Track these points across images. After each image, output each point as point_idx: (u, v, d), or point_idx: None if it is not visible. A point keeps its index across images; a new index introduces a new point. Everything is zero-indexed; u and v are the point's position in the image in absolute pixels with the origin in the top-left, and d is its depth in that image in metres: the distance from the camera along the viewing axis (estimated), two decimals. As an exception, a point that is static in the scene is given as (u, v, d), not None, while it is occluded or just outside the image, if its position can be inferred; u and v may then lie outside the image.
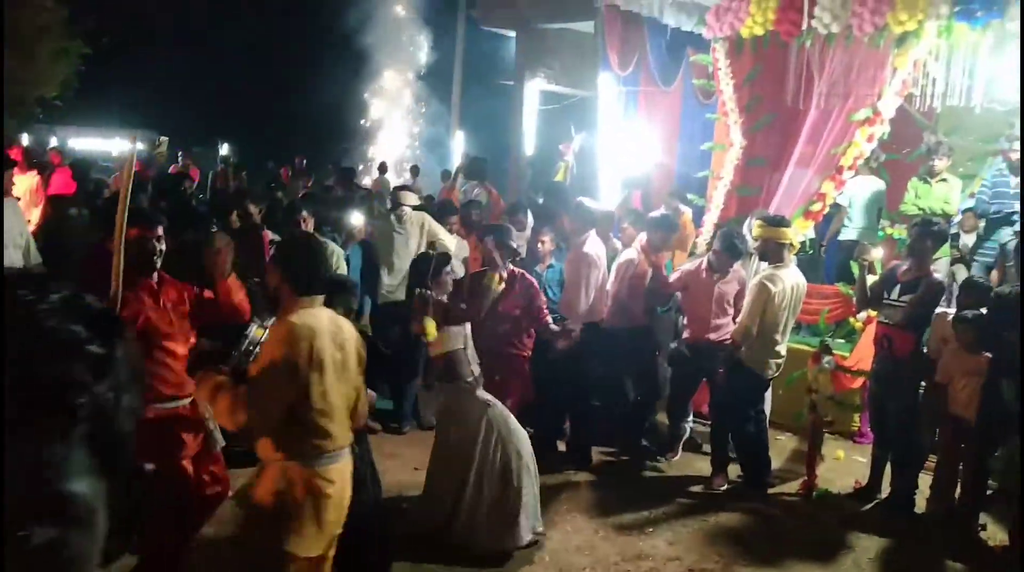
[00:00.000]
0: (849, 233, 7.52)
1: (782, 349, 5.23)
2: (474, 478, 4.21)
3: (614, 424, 5.81)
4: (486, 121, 15.99)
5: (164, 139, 10.52)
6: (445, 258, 4.60)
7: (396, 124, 19.87)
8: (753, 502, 5.18)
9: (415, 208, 6.47)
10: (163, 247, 3.43)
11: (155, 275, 3.45)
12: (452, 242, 6.20)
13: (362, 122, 19.89)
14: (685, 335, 5.65)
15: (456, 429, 4.30)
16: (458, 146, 16.23)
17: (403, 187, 7.70)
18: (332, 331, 2.86)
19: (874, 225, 7.57)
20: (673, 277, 5.60)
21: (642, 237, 5.64)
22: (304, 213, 5.54)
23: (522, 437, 4.39)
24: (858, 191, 7.47)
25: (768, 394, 5.62)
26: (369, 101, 19.79)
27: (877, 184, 7.58)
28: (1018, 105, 6.79)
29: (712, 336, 5.46)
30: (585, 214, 5.58)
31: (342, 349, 2.88)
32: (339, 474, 2.85)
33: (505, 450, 4.25)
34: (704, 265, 5.51)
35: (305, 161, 15.03)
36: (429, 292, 4.28)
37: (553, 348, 5.19)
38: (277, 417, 2.74)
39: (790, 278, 5.19)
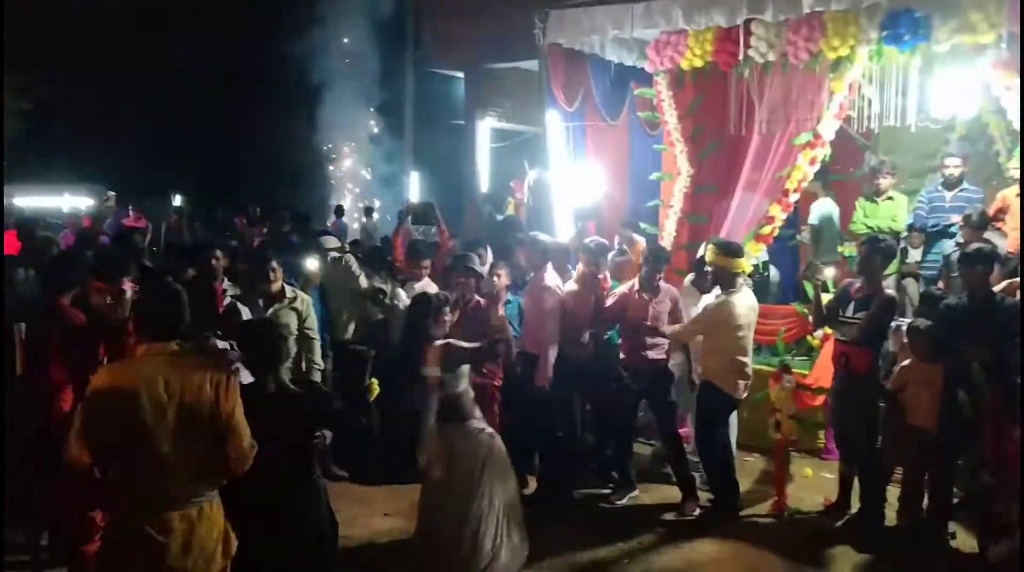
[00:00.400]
0: (819, 255, 7.64)
1: (749, 370, 5.31)
2: (475, 511, 4.14)
3: (580, 457, 5.79)
4: (440, 159, 16.08)
5: (111, 194, 10.38)
6: (443, 299, 4.57)
7: (350, 166, 19.88)
8: (726, 525, 5.20)
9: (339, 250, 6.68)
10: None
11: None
12: (364, 282, 6.46)
13: (315, 166, 19.86)
14: (622, 357, 5.70)
15: (455, 468, 4.19)
16: (413, 185, 16.29)
17: (324, 232, 7.84)
18: (169, 379, 2.79)
19: (832, 246, 7.75)
20: (609, 302, 5.65)
21: (578, 267, 5.71)
22: (273, 263, 5.48)
23: (511, 476, 4.40)
24: (813, 213, 7.67)
25: (734, 416, 5.68)
26: (322, 144, 19.79)
27: (830, 206, 7.78)
28: (953, 120, 7.12)
29: (650, 354, 5.53)
30: (540, 247, 5.65)
31: (181, 398, 2.79)
32: (180, 521, 2.80)
33: (502, 486, 4.26)
34: (636, 286, 5.61)
35: (259, 209, 14.91)
36: (449, 341, 4.32)
37: (522, 383, 5.21)
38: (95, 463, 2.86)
39: (744, 301, 5.30)
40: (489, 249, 6.84)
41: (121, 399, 2.74)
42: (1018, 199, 6.33)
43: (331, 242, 6.86)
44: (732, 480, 5.46)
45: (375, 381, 3.99)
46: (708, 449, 5.38)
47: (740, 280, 5.35)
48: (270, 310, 5.38)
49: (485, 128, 13.12)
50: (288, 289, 5.53)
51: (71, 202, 19.99)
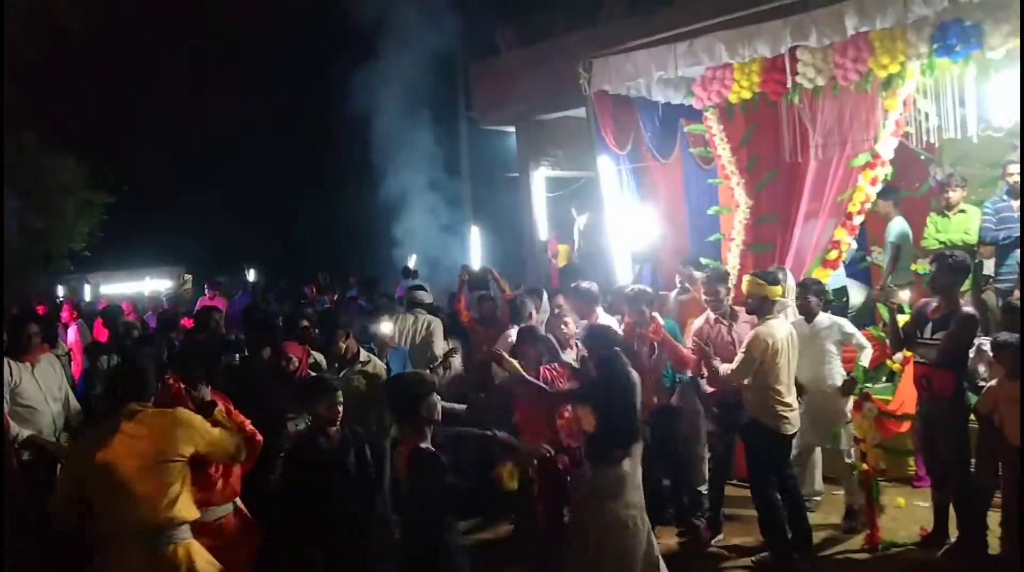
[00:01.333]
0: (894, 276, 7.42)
1: (791, 401, 5.09)
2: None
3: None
4: (498, 212, 16.32)
5: (189, 276, 10.87)
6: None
7: (412, 227, 20.32)
8: (822, 562, 5.01)
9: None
10: None
11: None
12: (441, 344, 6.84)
13: (380, 230, 20.35)
14: (708, 391, 5.54)
15: (612, 512, 4.30)
16: (474, 240, 16.55)
17: (418, 287, 7.98)
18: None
19: (906, 266, 7.51)
20: (689, 344, 5.57)
21: (625, 320, 5.69)
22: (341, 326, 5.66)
23: None
24: (892, 232, 7.47)
25: (817, 453, 5.51)
26: (384, 208, 20.30)
27: (901, 224, 7.56)
28: (1015, 127, 6.89)
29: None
30: (585, 293, 5.81)
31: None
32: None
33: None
34: (711, 318, 5.53)
35: (329, 277, 15.32)
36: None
37: None
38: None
39: (782, 330, 5.13)
40: (546, 296, 6.91)
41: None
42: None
43: (425, 298, 7.30)
44: (801, 528, 5.08)
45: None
46: (761, 492, 5.07)
47: (775, 307, 5.23)
48: (341, 373, 5.52)
49: (539, 178, 13.28)
50: (363, 353, 5.67)
51: (152, 285, 20.95)
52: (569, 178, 13.32)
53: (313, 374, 5.03)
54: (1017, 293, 6.25)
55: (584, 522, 4.40)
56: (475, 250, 15.32)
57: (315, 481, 3.81)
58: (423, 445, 3.50)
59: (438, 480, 3.44)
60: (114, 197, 13.57)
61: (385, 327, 6.17)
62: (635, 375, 4.55)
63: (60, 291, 18.46)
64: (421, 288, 7.98)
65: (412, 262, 15.72)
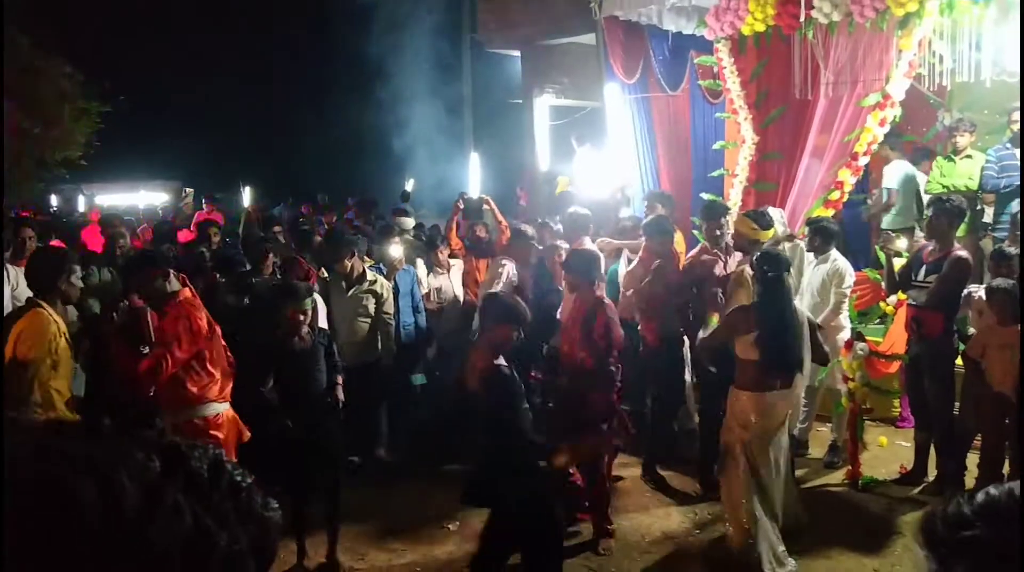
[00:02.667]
0: (893, 221, 7.39)
1: None
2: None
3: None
4: (499, 140, 16.12)
5: (189, 190, 10.76)
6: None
7: (412, 150, 20.10)
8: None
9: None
10: None
11: None
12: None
13: (379, 152, 20.15)
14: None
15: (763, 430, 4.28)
16: (474, 167, 16.39)
17: (401, 211, 8.03)
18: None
19: (912, 209, 7.47)
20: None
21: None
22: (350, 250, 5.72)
23: None
24: (893, 177, 7.41)
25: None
26: (384, 129, 20.05)
27: (909, 168, 7.49)
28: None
29: None
30: (579, 220, 5.93)
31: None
32: None
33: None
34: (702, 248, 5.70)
35: (328, 198, 15.23)
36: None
37: None
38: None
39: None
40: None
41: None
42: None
43: (407, 223, 7.23)
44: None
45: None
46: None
47: (784, 246, 5.31)
48: (350, 292, 5.58)
49: (543, 106, 13.07)
50: (369, 273, 5.70)
51: (147, 198, 20.81)
52: (573, 107, 13.12)
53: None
54: (1008, 241, 6.26)
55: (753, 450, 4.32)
56: (474, 177, 15.20)
57: (287, 375, 4.34)
58: (498, 363, 3.61)
59: (516, 395, 3.60)
60: (111, 107, 13.31)
61: (394, 249, 6.19)
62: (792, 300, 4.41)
63: (54, 200, 18.34)
64: (404, 213, 7.98)
65: (410, 186, 15.62)
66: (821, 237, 5.61)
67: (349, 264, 5.66)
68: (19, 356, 3.55)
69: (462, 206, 7.83)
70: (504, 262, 6.10)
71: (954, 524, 0.94)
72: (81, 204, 17.17)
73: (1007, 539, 0.90)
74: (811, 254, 5.73)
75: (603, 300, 4.70)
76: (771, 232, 5.21)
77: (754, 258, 4.52)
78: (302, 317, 4.37)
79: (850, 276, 5.57)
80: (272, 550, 0.85)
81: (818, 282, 5.59)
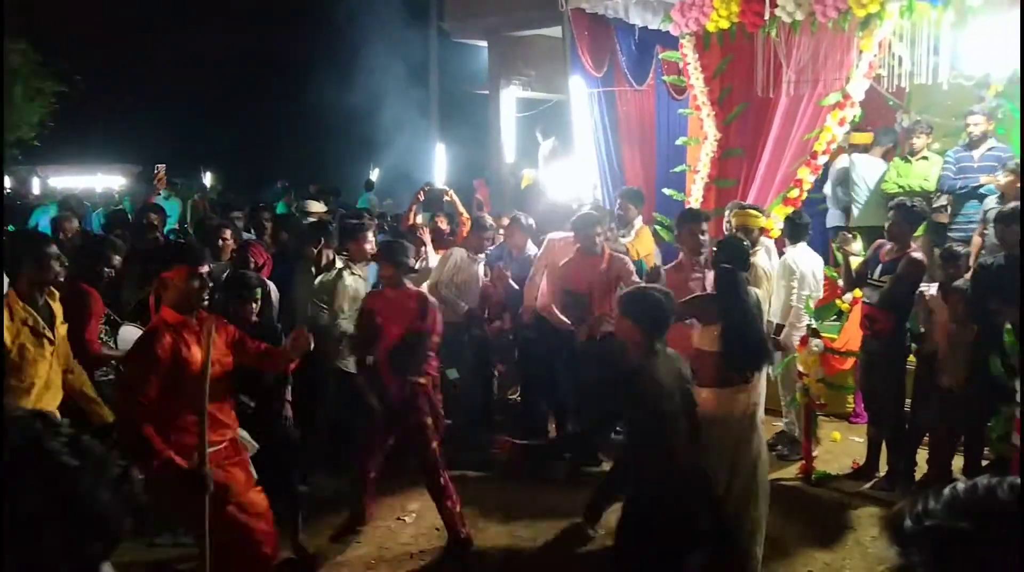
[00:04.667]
0: (863, 218, 7.47)
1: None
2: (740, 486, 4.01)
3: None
4: (466, 130, 16.05)
5: (161, 167, 10.47)
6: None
7: (376, 139, 19.92)
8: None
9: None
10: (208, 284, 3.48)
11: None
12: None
13: (343, 140, 19.95)
14: None
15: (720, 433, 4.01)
16: (440, 157, 16.29)
17: (308, 196, 7.99)
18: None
19: (880, 209, 7.49)
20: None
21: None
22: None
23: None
24: (865, 172, 7.50)
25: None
26: (348, 118, 19.84)
27: (879, 164, 7.58)
28: (986, 77, 6.92)
29: None
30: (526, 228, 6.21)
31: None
32: None
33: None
34: (683, 262, 5.51)
35: (288, 183, 15.04)
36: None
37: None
38: None
39: (767, 259, 5.35)
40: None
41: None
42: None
43: (314, 206, 7.07)
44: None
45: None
46: None
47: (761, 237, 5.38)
48: (318, 279, 5.51)
49: (510, 97, 13.03)
50: (339, 260, 5.63)
51: (104, 181, 20.35)
52: (539, 100, 13.10)
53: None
54: (975, 240, 6.39)
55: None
56: (440, 167, 15.12)
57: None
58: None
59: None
60: (66, 86, 12.99)
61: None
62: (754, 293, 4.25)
63: (7, 182, 17.85)
64: (313, 197, 7.96)
65: (374, 175, 15.51)
66: (788, 229, 5.71)
67: (318, 250, 5.60)
68: None
69: (422, 197, 7.77)
70: (452, 251, 6.09)
71: (921, 517, 1.00)
72: (36, 186, 16.73)
73: (969, 530, 0.97)
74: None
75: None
76: (763, 218, 5.33)
77: (715, 247, 4.45)
78: (252, 307, 4.24)
79: (801, 271, 5.62)
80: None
81: (778, 274, 5.69)
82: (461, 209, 7.60)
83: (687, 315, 4.17)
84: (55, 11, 15.53)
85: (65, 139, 16.40)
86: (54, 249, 3.67)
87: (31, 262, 3.58)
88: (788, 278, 5.59)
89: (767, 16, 6.50)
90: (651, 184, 8.18)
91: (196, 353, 3.28)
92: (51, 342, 3.64)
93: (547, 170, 10.37)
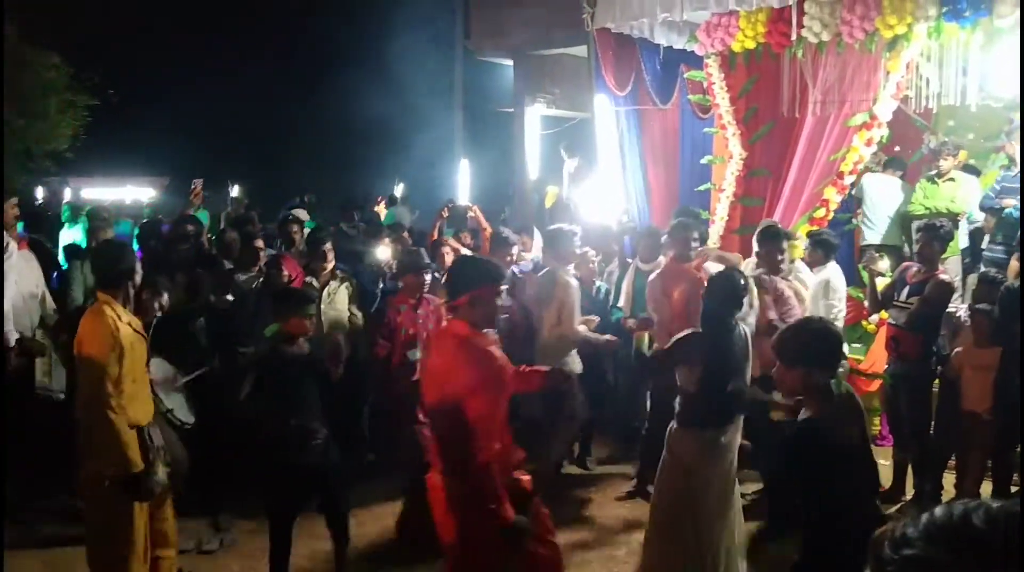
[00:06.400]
0: (872, 236, 7.47)
1: None
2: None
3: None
4: (489, 148, 16.14)
5: (198, 182, 10.52)
6: None
7: (401, 155, 20.07)
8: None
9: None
10: None
11: None
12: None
13: (369, 155, 20.12)
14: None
15: (697, 480, 3.81)
16: (464, 174, 16.39)
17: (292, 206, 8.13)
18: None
19: (896, 228, 7.50)
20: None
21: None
22: (327, 246, 5.68)
23: None
24: (877, 192, 7.47)
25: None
26: (374, 133, 20.02)
27: (896, 185, 7.56)
28: (1016, 99, 6.87)
29: None
30: (504, 240, 6.09)
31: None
32: None
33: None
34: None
35: (315, 197, 15.17)
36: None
37: None
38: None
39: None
40: (538, 235, 6.89)
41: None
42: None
43: (302, 215, 7.66)
44: None
45: None
46: None
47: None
48: (323, 291, 5.56)
49: (534, 115, 13.11)
50: (339, 272, 5.70)
51: (134, 193, 20.65)
52: (563, 118, 13.16)
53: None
54: (1013, 263, 6.31)
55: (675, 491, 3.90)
56: (463, 184, 15.21)
57: (285, 388, 3.98)
58: None
59: None
60: (98, 100, 13.23)
61: (382, 252, 6.17)
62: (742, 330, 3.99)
63: (40, 193, 18.17)
64: (300, 206, 8.10)
65: (399, 190, 15.61)
66: (821, 249, 5.66)
67: (325, 266, 5.68)
68: (84, 355, 3.40)
69: (446, 214, 7.82)
70: None
71: (899, 544, 0.98)
72: (67, 198, 17.01)
73: (943, 560, 0.95)
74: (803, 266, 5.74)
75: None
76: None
77: (708, 279, 4.17)
78: (308, 323, 4.14)
79: (841, 289, 5.59)
80: None
81: (813, 294, 5.61)
82: (485, 224, 7.64)
83: (675, 356, 4.00)
84: (87, 26, 15.86)
85: (96, 152, 16.68)
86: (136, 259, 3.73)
87: (122, 271, 3.59)
88: (829, 297, 5.53)
89: (794, 37, 6.50)
90: (675, 202, 8.17)
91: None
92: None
93: (572, 188, 10.41)
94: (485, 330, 3.26)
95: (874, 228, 7.52)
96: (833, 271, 5.66)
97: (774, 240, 5.09)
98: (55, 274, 6.14)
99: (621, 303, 5.91)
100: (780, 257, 5.05)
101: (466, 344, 3.12)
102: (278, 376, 4.01)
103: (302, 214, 7.93)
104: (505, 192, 14.46)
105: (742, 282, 4.02)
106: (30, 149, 12.43)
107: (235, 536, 4.78)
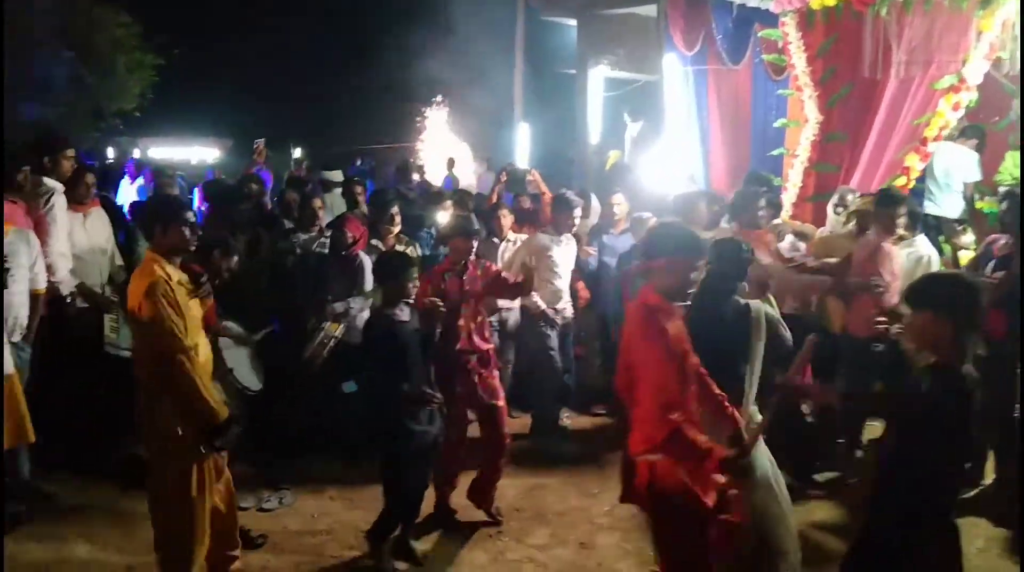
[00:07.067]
0: (932, 207, 7.10)
1: None
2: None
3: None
4: (549, 111, 15.87)
5: (261, 141, 10.50)
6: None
7: (461, 117, 19.93)
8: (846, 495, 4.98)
9: None
10: None
11: None
12: None
13: (429, 117, 20.03)
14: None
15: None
16: (522, 137, 16.19)
17: (326, 166, 8.13)
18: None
19: (959, 199, 7.13)
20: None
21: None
22: (395, 209, 5.60)
23: None
24: (949, 163, 7.07)
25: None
26: (433, 94, 19.90)
27: (966, 154, 7.14)
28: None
29: None
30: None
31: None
32: None
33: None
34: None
35: (372, 160, 15.21)
36: None
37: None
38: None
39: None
40: (594, 198, 6.74)
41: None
42: None
43: (335, 176, 7.65)
44: None
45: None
46: None
47: None
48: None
49: (597, 77, 12.80)
50: (403, 236, 5.62)
51: (199, 154, 21.05)
52: (626, 80, 12.83)
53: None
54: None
55: None
56: (522, 147, 15.02)
57: (396, 348, 3.88)
58: None
59: None
60: (165, 59, 13.40)
61: (441, 215, 6.09)
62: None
63: (110, 152, 18.64)
64: (329, 168, 8.08)
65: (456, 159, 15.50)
66: (908, 219, 5.37)
67: (392, 229, 5.58)
68: (140, 313, 3.29)
69: (504, 178, 7.69)
70: (535, 237, 5.87)
71: None
72: (136, 156, 17.41)
73: None
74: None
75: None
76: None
77: (715, 245, 3.84)
78: (411, 287, 3.99)
79: (937, 264, 5.28)
80: None
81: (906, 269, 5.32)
82: (544, 188, 7.48)
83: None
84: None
85: (163, 112, 16.97)
86: (191, 216, 3.55)
87: (173, 227, 3.43)
88: (927, 270, 5.24)
89: (878, -8, 6.14)
90: (744, 166, 7.88)
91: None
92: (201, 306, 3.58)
93: (634, 152, 10.16)
94: (676, 302, 3.07)
95: (937, 200, 7.10)
96: (924, 244, 5.37)
97: (892, 205, 4.96)
98: (122, 231, 6.22)
99: None
100: (897, 222, 4.93)
101: (650, 314, 2.99)
102: (386, 341, 3.89)
103: (335, 175, 7.90)
104: (565, 155, 14.23)
105: (747, 251, 3.79)
106: (101, 108, 12.67)
107: (294, 495, 4.81)
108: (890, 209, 4.95)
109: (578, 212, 5.82)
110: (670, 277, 3.03)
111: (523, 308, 5.74)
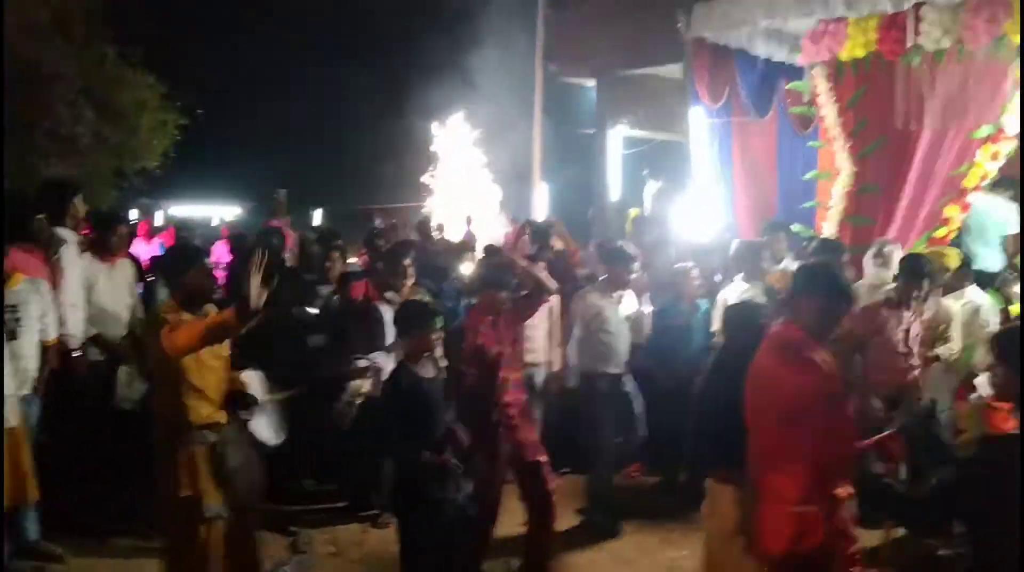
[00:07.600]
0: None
1: None
2: None
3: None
4: (567, 170, 15.90)
5: (282, 191, 10.37)
6: None
7: (478, 178, 20.01)
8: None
9: None
10: None
11: None
12: None
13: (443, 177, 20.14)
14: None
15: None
16: (541, 197, 16.18)
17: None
18: None
19: (996, 252, 6.92)
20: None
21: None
22: (407, 261, 5.43)
23: None
24: (988, 216, 6.88)
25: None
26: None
27: (1002, 206, 6.96)
28: None
29: None
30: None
31: None
32: None
33: None
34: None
35: (395, 220, 15.19)
36: None
37: None
38: None
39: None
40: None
41: None
42: None
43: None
44: None
45: None
46: None
47: None
48: None
49: (616, 136, 12.84)
50: (421, 288, 5.48)
51: (221, 212, 21.22)
52: (644, 139, 12.85)
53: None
54: None
55: None
56: (540, 205, 15.00)
57: (418, 407, 3.61)
58: None
59: None
60: (189, 119, 13.55)
61: (465, 267, 5.97)
62: None
63: (133, 213, 18.78)
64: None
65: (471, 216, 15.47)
66: (963, 270, 5.19)
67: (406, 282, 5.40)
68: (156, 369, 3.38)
69: (527, 233, 7.49)
70: (585, 296, 5.60)
71: None
72: (159, 217, 17.53)
73: None
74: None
75: None
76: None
77: (728, 310, 3.83)
78: (434, 339, 3.75)
79: (994, 315, 5.06)
80: None
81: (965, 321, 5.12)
82: (569, 242, 7.34)
83: None
84: (179, 47, 16.36)
85: (183, 172, 17.12)
86: (210, 263, 3.62)
87: (194, 271, 3.50)
88: (985, 319, 5.06)
89: (909, 44, 6.07)
90: (770, 218, 7.72)
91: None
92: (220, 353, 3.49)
93: (655, 210, 10.05)
94: (820, 342, 2.90)
95: (978, 255, 6.89)
96: (977, 294, 5.15)
97: (915, 276, 4.80)
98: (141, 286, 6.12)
99: (715, 326, 5.50)
100: (916, 294, 4.80)
101: (792, 350, 2.83)
102: (406, 400, 3.60)
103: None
104: (584, 214, 14.17)
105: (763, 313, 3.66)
106: (122, 168, 12.76)
107: (313, 558, 4.57)
108: (913, 278, 4.80)
109: (636, 266, 5.52)
110: (813, 315, 2.89)
111: (582, 376, 5.32)
